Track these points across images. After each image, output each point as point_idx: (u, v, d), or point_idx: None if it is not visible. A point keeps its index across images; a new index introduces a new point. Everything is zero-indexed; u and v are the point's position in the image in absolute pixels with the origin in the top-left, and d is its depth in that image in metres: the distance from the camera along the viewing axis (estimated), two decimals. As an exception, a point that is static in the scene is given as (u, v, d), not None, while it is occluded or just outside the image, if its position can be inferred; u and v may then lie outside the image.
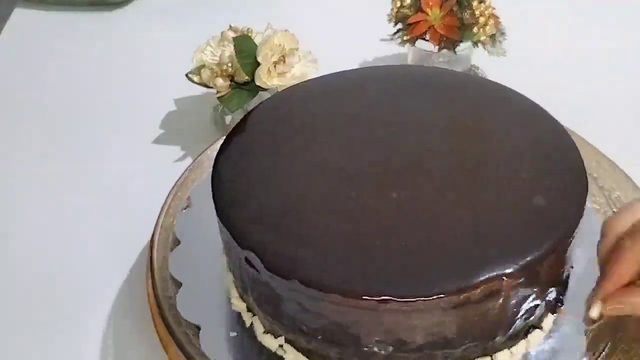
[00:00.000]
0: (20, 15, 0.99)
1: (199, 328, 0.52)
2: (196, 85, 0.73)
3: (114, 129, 0.80)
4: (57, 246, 0.66)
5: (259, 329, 0.52)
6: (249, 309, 0.53)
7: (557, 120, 0.56)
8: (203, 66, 0.72)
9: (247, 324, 0.53)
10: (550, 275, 0.48)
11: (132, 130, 0.79)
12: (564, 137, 0.55)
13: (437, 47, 0.76)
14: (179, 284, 0.56)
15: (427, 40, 0.76)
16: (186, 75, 0.73)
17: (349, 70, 0.62)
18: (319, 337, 0.47)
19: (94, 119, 0.82)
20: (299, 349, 0.50)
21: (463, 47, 0.77)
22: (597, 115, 0.76)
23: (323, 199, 0.50)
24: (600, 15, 0.95)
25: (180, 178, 0.64)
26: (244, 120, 0.58)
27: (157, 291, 0.55)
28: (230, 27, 0.73)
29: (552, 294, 0.50)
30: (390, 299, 0.43)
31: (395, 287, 0.44)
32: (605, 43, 0.89)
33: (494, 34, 0.75)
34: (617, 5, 0.95)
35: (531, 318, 0.49)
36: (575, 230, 0.48)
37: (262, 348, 0.51)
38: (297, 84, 0.63)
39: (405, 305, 0.43)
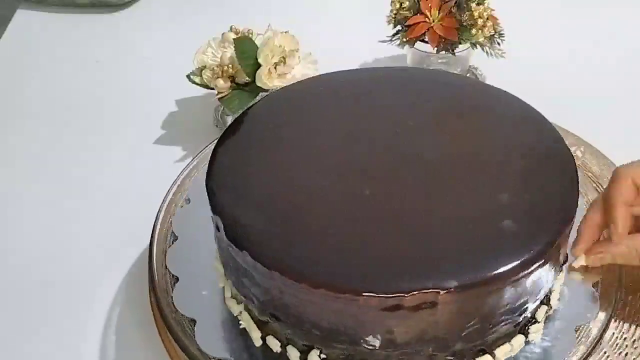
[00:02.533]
0: (22, 17, 1.00)
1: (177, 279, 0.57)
2: (197, 86, 0.73)
3: (116, 129, 0.81)
4: (58, 245, 0.66)
5: (227, 292, 0.55)
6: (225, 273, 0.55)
7: (553, 127, 0.55)
8: (204, 67, 0.72)
9: (220, 286, 0.56)
10: (502, 304, 0.46)
11: (134, 131, 0.80)
12: (558, 145, 0.53)
13: (435, 48, 0.77)
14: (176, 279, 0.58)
15: (426, 42, 0.77)
16: (187, 76, 0.73)
17: (345, 70, 0.62)
18: (268, 312, 0.49)
19: (96, 120, 0.82)
20: (253, 319, 0.52)
21: (462, 48, 0.77)
22: (596, 116, 0.76)
23: (299, 186, 0.51)
24: (598, 17, 0.95)
25: (178, 177, 0.65)
26: (239, 118, 0.58)
27: (155, 285, 0.56)
28: (231, 28, 0.73)
29: (504, 325, 0.47)
30: (322, 287, 0.44)
31: (328, 276, 0.44)
32: (603, 44, 0.90)
33: (492, 35, 0.76)
34: (615, 6, 0.96)
35: (476, 342, 0.48)
36: (537, 265, 0.45)
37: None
38: (293, 83, 0.63)
39: (335, 296, 0.44)
